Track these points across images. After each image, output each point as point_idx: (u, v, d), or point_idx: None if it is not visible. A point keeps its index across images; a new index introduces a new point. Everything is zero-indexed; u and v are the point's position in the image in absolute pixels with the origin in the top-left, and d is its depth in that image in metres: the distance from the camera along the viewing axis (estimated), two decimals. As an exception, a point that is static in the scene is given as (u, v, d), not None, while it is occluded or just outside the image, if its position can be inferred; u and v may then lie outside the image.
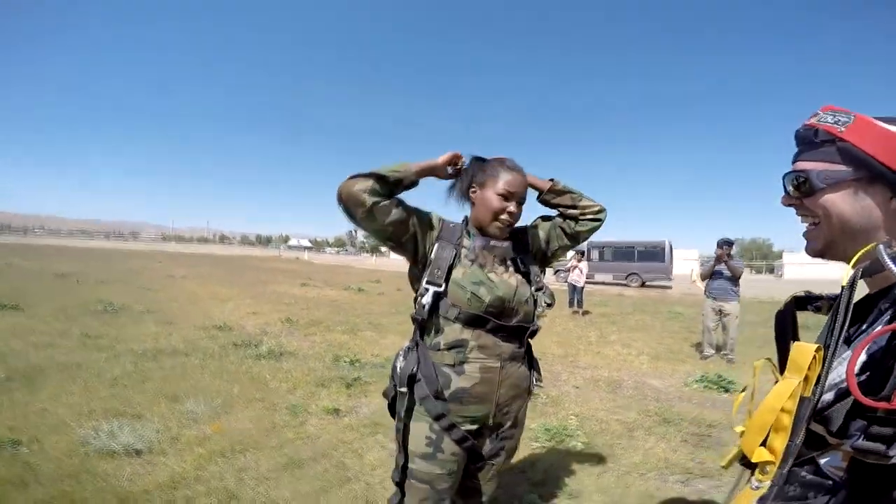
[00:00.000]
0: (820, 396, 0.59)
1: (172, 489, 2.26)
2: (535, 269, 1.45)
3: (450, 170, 1.43)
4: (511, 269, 1.41)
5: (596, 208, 1.48)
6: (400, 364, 1.37)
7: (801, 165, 0.71)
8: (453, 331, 1.31)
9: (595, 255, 23.13)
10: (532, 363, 1.48)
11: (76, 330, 5.59)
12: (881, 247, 0.59)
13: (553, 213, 1.54)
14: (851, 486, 0.59)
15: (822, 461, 0.63)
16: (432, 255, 1.35)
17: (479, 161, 1.44)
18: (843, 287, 0.60)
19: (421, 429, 1.31)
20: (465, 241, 1.40)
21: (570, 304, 11.18)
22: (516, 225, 1.46)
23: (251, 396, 3.70)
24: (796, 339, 0.72)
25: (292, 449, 2.79)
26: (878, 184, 0.64)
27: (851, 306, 0.59)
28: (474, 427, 1.35)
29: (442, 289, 1.30)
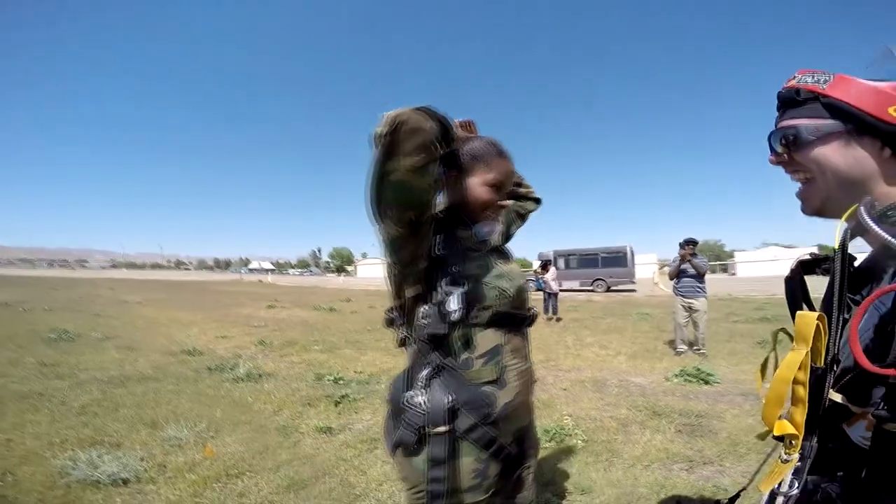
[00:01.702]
0: (831, 366, 0.59)
1: (170, 518, 2.11)
2: (511, 253, 1.36)
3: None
4: (509, 258, 1.30)
5: (532, 190, 1.50)
6: (422, 400, 1.06)
7: (789, 122, 0.72)
8: (485, 338, 1.09)
9: (561, 263, 23.69)
10: None
11: (29, 358, 5.17)
12: (862, 208, 0.59)
13: None
14: (879, 455, 0.57)
15: (851, 431, 0.62)
16: (437, 250, 1.09)
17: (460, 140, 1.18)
18: (835, 250, 0.60)
19: (466, 465, 1.07)
20: (461, 231, 1.17)
21: (546, 310, 11.38)
22: None
23: (236, 419, 3.52)
24: (808, 304, 0.72)
25: (291, 470, 2.67)
26: (866, 135, 0.65)
27: (846, 269, 0.59)
28: (513, 439, 1.18)
29: (465, 287, 1.06)
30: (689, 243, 6.51)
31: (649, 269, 31.87)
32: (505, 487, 1.24)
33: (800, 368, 0.58)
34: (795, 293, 0.74)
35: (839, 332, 0.60)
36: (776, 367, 0.75)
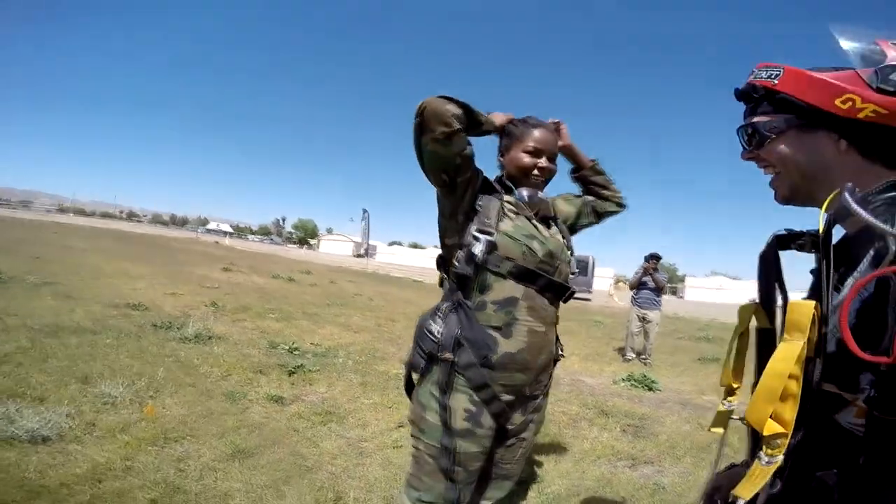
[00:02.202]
0: (825, 356, 0.57)
1: (97, 482, 1.95)
2: (567, 234, 1.43)
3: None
4: (554, 228, 1.38)
5: (620, 195, 1.56)
6: (437, 328, 1.20)
7: (749, 119, 0.74)
8: (503, 287, 1.20)
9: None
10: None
11: (-48, 299, 4.71)
12: (845, 193, 0.58)
13: (577, 190, 1.58)
14: (874, 442, 0.55)
15: (840, 418, 0.61)
16: (478, 205, 1.24)
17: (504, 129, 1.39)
18: (820, 237, 0.60)
19: (459, 402, 1.18)
20: (506, 196, 1.31)
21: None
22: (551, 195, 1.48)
23: (180, 381, 3.34)
24: (780, 281, 0.72)
25: (237, 437, 2.55)
26: (820, 128, 0.66)
27: (831, 257, 0.58)
28: (511, 398, 1.25)
29: (493, 237, 1.19)
30: (654, 258, 6.78)
31: (606, 282, 33.06)
32: (496, 450, 1.31)
33: (795, 362, 0.55)
34: (769, 270, 0.73)
35: (827, 319, 0.58)
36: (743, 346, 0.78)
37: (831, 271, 0.58)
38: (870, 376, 0.54)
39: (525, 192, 1.33)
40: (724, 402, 0.83)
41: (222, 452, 2.36)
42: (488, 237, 1.19)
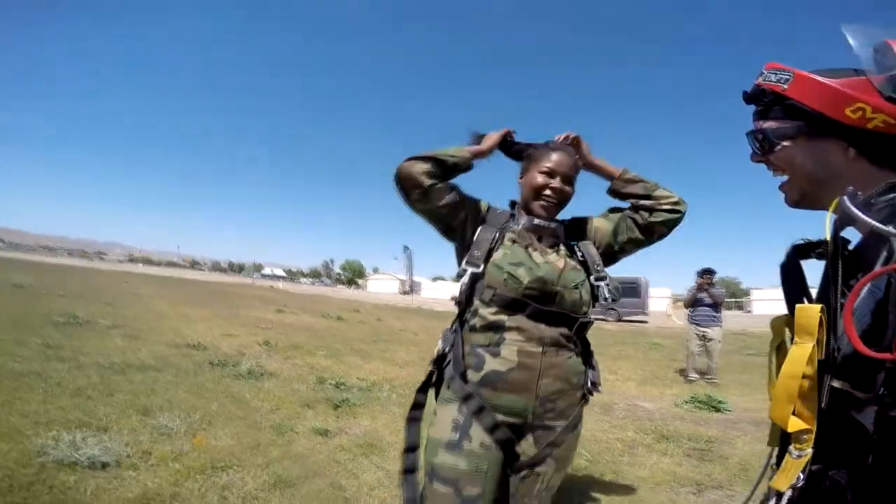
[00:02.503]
0: (835, 356, 0.58)
1: (146, 506, 2.01)
2: (594, 256, 1.33)
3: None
4: (563, 252, 1.32)
5: (673, 199, 1.32)
6: (438, 345, 1.29)
7: (758, 124, 0.73)
8: (489, 313, 1.21)
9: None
10: (589, 361, 1.31)
11: (35, 340, 5.15)
12: (845, 199, 0.58)
13: (624, 205, 1.41)
14: (884, 441, 0.56)
15: (862, 417, 0.59)
16: (474, 238, 1.29)
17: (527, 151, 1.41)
18: (826, 242, 0.60)
19: (447, 412, 1.19)
20: (511, 225, 1.34)
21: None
22: (576, 215, 1.43)
23: (231, 414, 3.44)
24: (805, 291, 0.70)
25: (280, 467, 2.56)
26: (828, 135, 0.65)
27: (839, 259, 0.59)
28: (510, 421, 1.17)
29: (480, 269, 1.23)
30: (707, 273, 6.43)
31: (663, 302, 31.36)
32: (511, 480, 1.22)
33: (807, 363, 0.57)
34: (792, 279, 0.72)
35: (838, 321, 0.59)
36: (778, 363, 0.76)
37: (839, 273, 0.58)
38: (883, 375, 0.53)
39: (523, 221, 1.33)
40: None
41: (265, 482, 2.38)
42: (473, 269, 1.23)
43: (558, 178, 1.31)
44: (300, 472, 2.53)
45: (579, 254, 1.33)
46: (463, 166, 1.29)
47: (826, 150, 0.66)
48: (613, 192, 1.40)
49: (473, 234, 1.31)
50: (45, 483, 2.07)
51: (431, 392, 1.31)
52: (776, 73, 0.69)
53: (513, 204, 1.43)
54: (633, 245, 1.37)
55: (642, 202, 1.33)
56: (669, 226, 1.33)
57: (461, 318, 1.29)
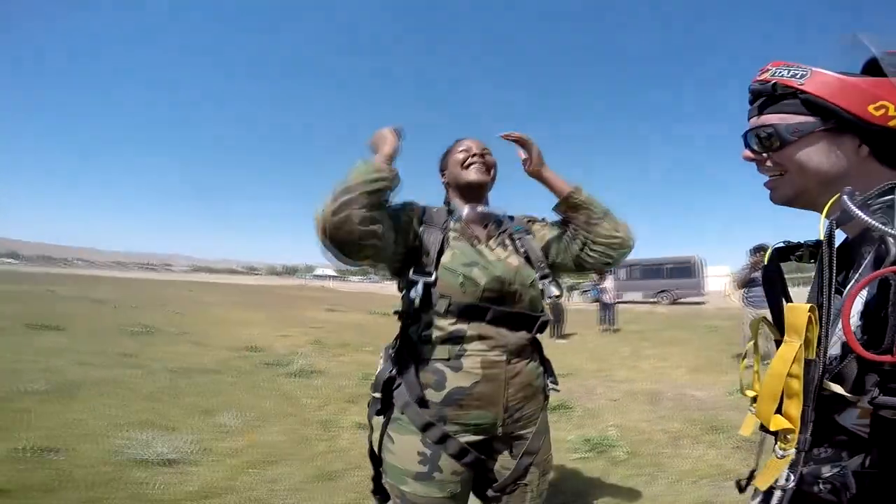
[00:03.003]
0: (824, 357, 0.57)
1: (203, 498, 2.23)
2: (537, 251, 1.24)
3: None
4: (511, 248, 1.23)
5: (615, 239, 1.15)
6: (379, 366, 1.18)
7: (766, 119, 0.70)
8: (447, 324, 1.10)
9: (622, 273, 22.57)
10: (544, 362, 1.26)
11: (113, 349, 5.72)
12: (845, 197, 0.58)
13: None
14: (879, 442, 0.56)
15: (842, 419, 0.60)
16: (419, 242, 1.15)
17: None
18: (821, 241, 0.59)
19: (409, 443, 1.08)
20: (452, 223, 1.23)
21: (602, 321, 10.98)
22: (528, 214, 1.37)
23: (283, 412, 3.69)
24: (786, 294, 0.72)
25: (324, 461, 2.74)
26: (846, 132, 0.64)
27: (834, 260, 0.58)
28: (479, 438, 1.10)
29: (433, 278, 1.10)
30: (760, 250, 6.03)
31: (721, 281, 29.68)
32: (502, 498, 1.15)
33: (794, 362, 0.58)
34: (773, 281, 0.73)
35: (829, 322, 0.59)
36: (758, 358, 0.78)
37: (833, 274, 0.58)
38: (875, 378, 0.53)
39: (465, 212, 1.23)
40: (751, 407, 0.80)
41: (309, 475, 2.55)
42: (426, 278, 1.10)
43: (476, 153, 1.25)
44: (342, 466, 2.68)
45: (521, 249, 1.23)
46: (395, 183, 1.07)
47: (841, 147, 0.65)
48: (557, 211, 1.25)
49: (417, 238, 1.17)
50: (121, 479, 2.34)
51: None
52: (789, 69, 0.68)
53: (447, 202, 1.33)
54: (560, 270, 1.26)
55: (580, 232, 1.18)
56: (601, 265, 1.20)
57: (406, 334, 1.16)
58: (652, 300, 21.96)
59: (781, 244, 0.75)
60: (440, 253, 1.14)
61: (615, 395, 4.53)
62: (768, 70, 0.70)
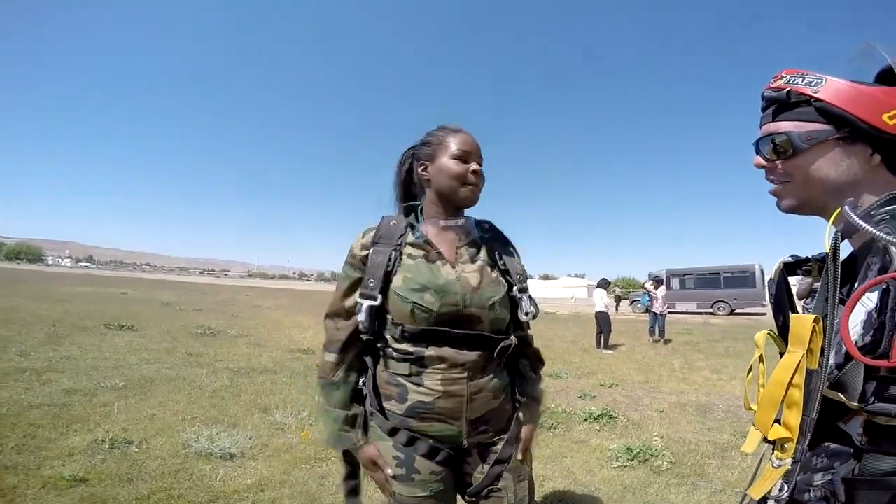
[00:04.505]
0: (826, 367, 0.57)
1: (259, 490, 2.41)
2: (517, 266, 1.19)
3: None
4: (480, 261, 1.15)
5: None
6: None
7: (780, 126, 0.69)
8: (404, 346, 1.08)
9: (675, 283, 21.54)
10: (512, 372, 1.22)
11: (180, 349, 6.24)
12: (846, 208, 0.58)
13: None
14: (872, 450, 0.56)
15: (848, 428, 0.60)
16: (367, 265, 1.10)
17: (413, 147, 1.22)
18: (827, 254, 0.59)
19: (385, 448, 1.10)
20: (409, 237, 1.14)
21: (651, 332, 10.61)
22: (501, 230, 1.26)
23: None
24: (793, 307, 0.71)
25: (371, 458, 2.88)
26: (859, 141, 0.64)
27: (839, 272, 0.58)
28: (447, 447, 1.11)
29: (377, 302, 1.07)
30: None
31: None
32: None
33: (796, 371, 0.58)
34: (780, 295, 0.74)
35: (833, 333, 0.59)
36: (763, 371, 0.75)
37: (838, 285, 0.58)
38: (874, 385, 0.54)
39: (428, 228, 1.16)
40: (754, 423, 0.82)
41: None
42: (370, 301, 1.07)
43: (475, 162, 1.14)
44: (388, 463, 2.81)
45: (501, 262, 1.17)
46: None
47: (854, 156, 0.65)
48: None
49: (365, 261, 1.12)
50: (187, 471, 2.57)
51: None
52: (804, 77, 0.67)
53: (409, 209, 1.22)
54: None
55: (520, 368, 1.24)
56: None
57: (370, 348, 1.15)
58: (708, 311, 20.80)
59: (790, 259, 0.75)
60: (388, 273, 1.08)
61: (662, 406, 4.42)
62: (782, 77, 0.70)
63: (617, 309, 23.80)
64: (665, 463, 2.86)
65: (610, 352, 8.84)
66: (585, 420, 3.85)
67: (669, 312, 12.13)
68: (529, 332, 1.25)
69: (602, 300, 9.61)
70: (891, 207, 0.60)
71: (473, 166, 1.12)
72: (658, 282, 11.33)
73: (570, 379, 5.80)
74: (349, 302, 1.12)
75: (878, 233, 0.54)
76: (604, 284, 10.16)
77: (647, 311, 11.37)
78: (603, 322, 9.29)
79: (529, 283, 1.22)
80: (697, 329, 13.22)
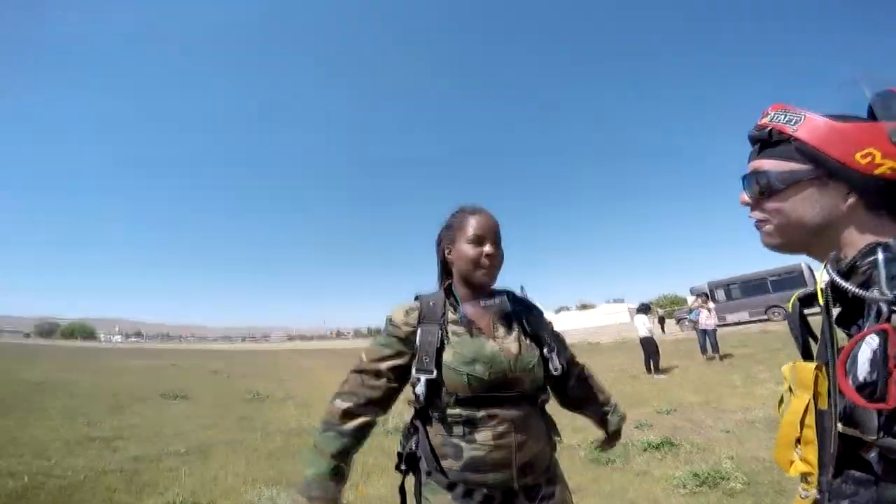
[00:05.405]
0: (836, 408, 0.58)
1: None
2: (544, 328, 1.30)
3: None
4: (516, 331, 1.25)
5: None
6: (400, 444, 1.28)
7: (760, 164, 0.70)
8: (458, 411, 1.16)
9: (721, 294, 20.58)
10: (546, 418, 1.31)
11: (233, 414, 6.39)
12: (828, 266, 0.60)
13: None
14: (887, 479, 0.57)
15: (868, 457, 0.60)
16: (417, 343, 1.20)
17: (442, 230, 1.35)
18: (821, 306, 0.61)
19: (443, 501, 1.16)
20: (451, 315, 1.24)
21: (703, 350, 10.08)
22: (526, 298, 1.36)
23: (384, 466, 3.88)
24: (813, 336, 0.70)
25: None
26: (834, 180, 0.63)
27: (834, 327, 0.60)
28: (499, 492, 1.18)
29: (434, 375, 1.16)
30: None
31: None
32: None
33: (806, 413, 0.61)
34: (798, 329, 0.73)
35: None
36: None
37: (835, 337, 0.60)
38: (884, 419, 0.55)
39: (468, 309, 1.24)
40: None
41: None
42: (427, 375, 1.16)
43: (489, 244, 1.22)
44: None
45: (529, 329, 1.27)
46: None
47: (829, 196, 0.65)
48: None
49: (415, 341, 1.21)
50: (253, 529, 2.62)
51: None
52: (785, 114, 0.67)
53: (448, 287, 1.31)
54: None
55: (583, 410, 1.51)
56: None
57: (421, 414, 1.22)
58: (763, 318, 19.64)
59: (805, 292, 0.74)
60: (439, 350, 1.17)
61: (727, 426, 4.18)
62: (768, 114, 0.70)
63: (663, 330, 22.78)
64: (738, 485, 2.70)
65: (663, 376, 8.44)
66: (645, 450, 3.68)
67: (721, 325, 11.54)
68: (582, 363, 1.46)
69: (644, 325, 9.28)
70: (872, 258, 0.60)
71: (487, 249, 1.21)
72: (705, 296, 10.89)
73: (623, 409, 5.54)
74: (384, 365, 1.21)
75: (860, 292, 0.56)
76: (644, 309, 9.82)
77: (694, 328, 10.88)
78: (649, 347, 8.95)
79: (568, 314, 1.31)
80: (754, 339, 12.49)
